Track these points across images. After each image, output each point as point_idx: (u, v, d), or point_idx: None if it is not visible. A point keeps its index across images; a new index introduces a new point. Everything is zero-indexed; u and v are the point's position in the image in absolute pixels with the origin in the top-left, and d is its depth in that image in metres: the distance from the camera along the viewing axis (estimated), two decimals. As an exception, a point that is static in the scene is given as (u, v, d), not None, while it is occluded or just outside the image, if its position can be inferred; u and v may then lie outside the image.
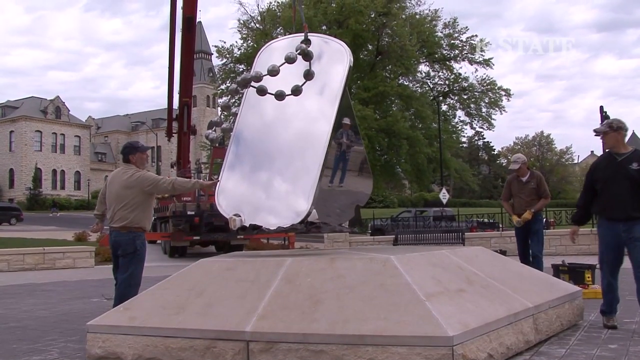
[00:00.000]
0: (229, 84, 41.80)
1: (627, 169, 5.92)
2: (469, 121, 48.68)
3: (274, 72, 6.01)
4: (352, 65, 6.57)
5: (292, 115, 6.47)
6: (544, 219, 8.97)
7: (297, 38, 6.66)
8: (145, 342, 4.89)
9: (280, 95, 6.11)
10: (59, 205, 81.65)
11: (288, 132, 6.46)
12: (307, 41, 6.29)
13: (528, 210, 8.55)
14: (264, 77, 6.05)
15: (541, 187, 8.69)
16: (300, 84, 6.09)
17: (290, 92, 6.09)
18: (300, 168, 6.13)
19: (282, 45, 6.94)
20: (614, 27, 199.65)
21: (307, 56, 6.14)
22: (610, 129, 6.03)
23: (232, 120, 6.73)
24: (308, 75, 6.15)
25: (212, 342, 4.62)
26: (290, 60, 6.03)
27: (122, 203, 6.39)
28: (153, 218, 25.78)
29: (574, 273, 8.86)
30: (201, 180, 6.98)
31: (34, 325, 7.38)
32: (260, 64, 6.63)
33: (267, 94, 6.09)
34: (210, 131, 6.68)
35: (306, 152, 6.17)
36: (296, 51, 6.11)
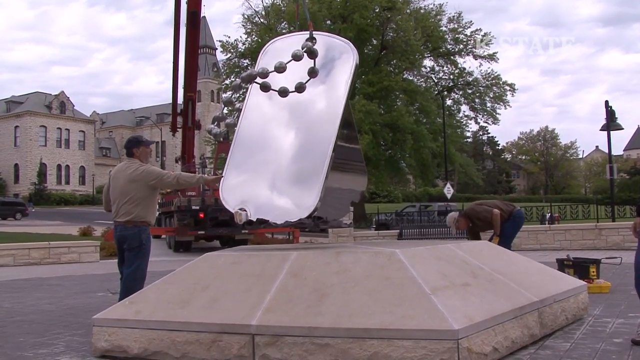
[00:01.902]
0: (233, 79, 41.78)
1: None
2: (474, 116, 48.55)
3: (281, 68, 6.04)
4: (357, 63, 6.57)
5: (297, 112, 6.49)
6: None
7: (303, 36, 6.68)
8: (151, 335, 4.91)
9: (283, 92, 6.14)
10: (64, 200, 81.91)
11: (292, 129, 6.47)
12: (312, 39, 6.31)
13: (494, 237, 8.75)
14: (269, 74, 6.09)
15: (480, 220, 8.85)
16: (304, 81, 6.12)
17: (294, 89, 6.12)
18: (305, 165, 6.14)
19: (288, 43, 6.95)
20: (620, 21, 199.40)
21: (312, 54, 6.16)
22: None
23: (236, 115, 6.74)
24: (312, 72, 6.17)
25: (218, 335, 4.63)
26: (297, 57, 6.06)
27: (126, 197, 6.40)
28: (158, 213, 25.75)
29: (578, 268, 8.85)
30: (205, 176, 6.96)
31: (40, 319, 7.41)
32: (264, 62, 6.66)
33: (271, 90, 6.13)
34: (213, 126, 6.68)
35: (312, 149, 6.18)
36: (302, 49, 6.13)
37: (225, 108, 6.64)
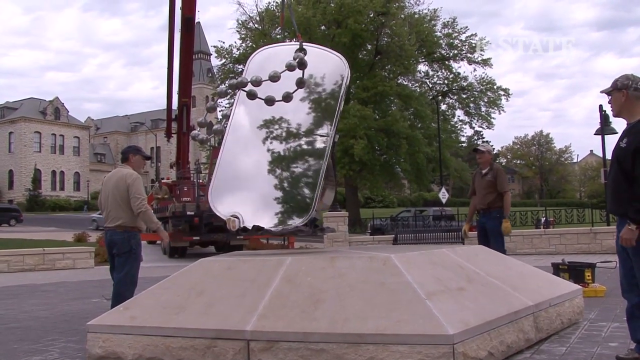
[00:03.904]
0: (225, 84, 41.68)
1: (617, 147, 4.45)
2: (468, 120, 48.67)
3: (275, 77, 6.09)
4: (349, 77, 6.64)
5: (290, 119, 6.54)
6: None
7: (290, 45, 6.78)
8: (146, 341, 4.89)
9: (270, 101, 6.19)
10: (59, 206, 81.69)
11: (283, 137, 6.51)
12: (302, 50, 6.38)
13: (504, 220, 8.30)
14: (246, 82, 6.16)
15: (498, 179, 8.33)
16: (291, 91, 6.19)
17: (280, 99, 6.18)
18: (299, 172, 6.17)
19: (275, 52, 7.03)
20: (615, 25, 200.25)
21: (302, 65, 6.23)
22: (614, 88, 4.51)
23: (223, 122, 6.76)
24: (301, 83, 6.25)
25: (213, 341, 4.62)
26: (291, 67, 6.13)
27: (115, 203, 6.46)
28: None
29: (574, 272, 8.86)
30: (162, 229, 6.96)
31: (34, 325, 7.38)
32: (252, 71, 6.72)
33: (257, 99, 6.18)
34: (197, 132, 6.70)
35: (305, 156, 6.22)
36: (294, 60, 6.21)
37: (207, 113, 6.70)
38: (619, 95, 4.47)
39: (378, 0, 39.65)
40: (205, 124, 6.70)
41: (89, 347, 5.22)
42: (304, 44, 6.50)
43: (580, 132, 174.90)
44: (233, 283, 5.16)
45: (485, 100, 46.86)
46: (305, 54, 6.34)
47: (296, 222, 5.87)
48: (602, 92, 4.67)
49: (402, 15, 43.01)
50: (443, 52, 46.48)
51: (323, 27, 42.08)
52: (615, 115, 4.63)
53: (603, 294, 8.36)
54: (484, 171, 8.53)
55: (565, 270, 9.02)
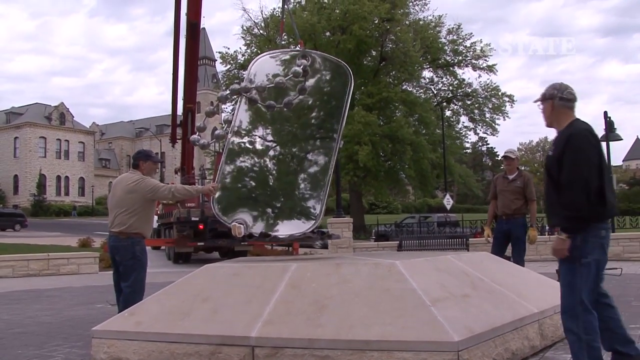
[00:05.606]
0: (224, 91, 41.84)
1: (546, 157, 4.36)
2: (473, 127, 48.62)
3: (281, 84, 6.12)
4: (352, 84, 6.66)
5: (294, 126, 6.57)
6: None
7: (293, 52, 6.83)
8: (151, 347, 4.89)
9: (270, 107, 6.21)
10: (64, 211, 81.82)
11: (289, 144, 6.54)
12: (306, 57, 6.41)
13: (531, 228, 8.35)
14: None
15: (528, 187, 8.33)
16: (293, 99, 6.22)
17: (282, 105, 6.22)
18: (305, 179, 6.19)
19: (276, 59, 7.06)
20: (620, 31, 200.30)
21: (305, 72, 6.27)
22: (543, 99, 4.34)
23: (225, 127, 6.77)
24: (302, 90, 6.27)
25: (218, 347, 4.62)
26: (297, 74, 6.16)
27: (123, 208, 6.40)
28: (157, 224, 25.75)
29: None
30: (200, 187, 6.99)
31: (38, 330, 7.39)
32: (252, 76, 6.75)
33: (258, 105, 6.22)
34: (196, 136, 6.70)
35: (311, 164, 6.25)
36: (299, 67, 6.24)
37: (206, 118, 6.72)
38: (547, 106, 4.29)
39: (383, 7, 39.74)
40: (204, 128, 6.73)
41: (94, 353, 5.23)
42: (306, 50, 6.54)
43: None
44: (238, 289, 5.16)
45: (490, 107, 46.81)
46: (308, 61, 6.38)
47: (304, 228, 5.88)
48: (535, 102, 4.41)
49: (407, 22, 43.07)
50: (448, 58, 46.50)
51: (328, 33, 42.19)
52: (547, 126, 4.40)
53: (608, 301, 8.32)
54: (511, 176, 8.47)
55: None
